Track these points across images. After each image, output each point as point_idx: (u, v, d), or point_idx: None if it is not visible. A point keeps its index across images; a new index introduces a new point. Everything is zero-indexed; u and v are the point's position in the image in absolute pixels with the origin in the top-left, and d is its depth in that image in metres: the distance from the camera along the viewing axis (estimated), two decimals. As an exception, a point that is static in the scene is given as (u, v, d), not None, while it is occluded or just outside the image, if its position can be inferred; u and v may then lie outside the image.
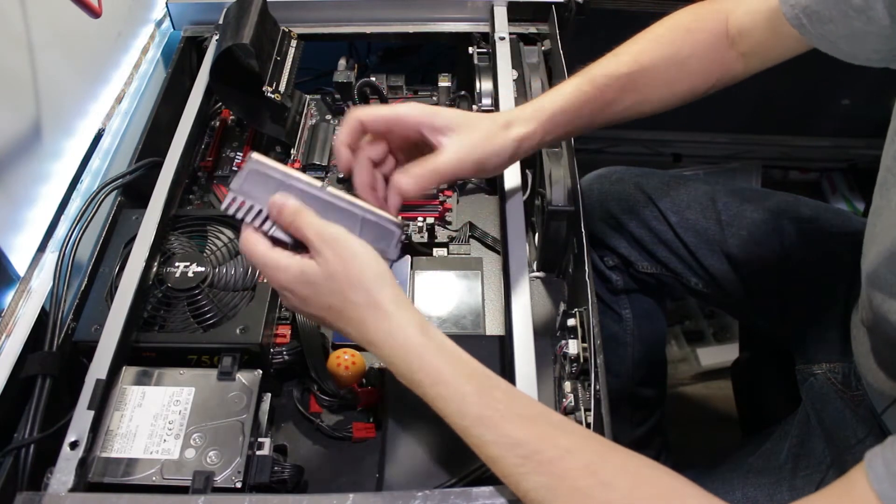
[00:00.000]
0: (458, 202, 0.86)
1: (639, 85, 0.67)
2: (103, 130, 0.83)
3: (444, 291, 0.75)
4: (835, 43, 0.62)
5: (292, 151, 0.89)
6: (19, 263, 0.70)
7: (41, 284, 0.70)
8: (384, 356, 0.52)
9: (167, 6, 0.96)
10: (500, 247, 0.75)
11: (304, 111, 0.94)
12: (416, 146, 0.62)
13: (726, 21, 0.68)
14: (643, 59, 0.67)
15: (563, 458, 0.47)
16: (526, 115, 0.64)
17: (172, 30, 0.99)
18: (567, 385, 0.65)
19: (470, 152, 0.60)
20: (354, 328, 0.52)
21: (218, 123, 0.93)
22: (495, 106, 0.81)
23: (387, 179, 0.61)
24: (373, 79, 0.94)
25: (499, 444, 0.48)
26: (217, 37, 0.87)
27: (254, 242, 0.54)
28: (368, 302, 0.51)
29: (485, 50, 0.92)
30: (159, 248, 0.71)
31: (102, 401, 0.59)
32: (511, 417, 0.49)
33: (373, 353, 0.53)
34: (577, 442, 0.49)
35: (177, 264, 0.70)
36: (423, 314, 0.53)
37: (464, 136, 0.60)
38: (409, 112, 0.60)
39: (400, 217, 0.60)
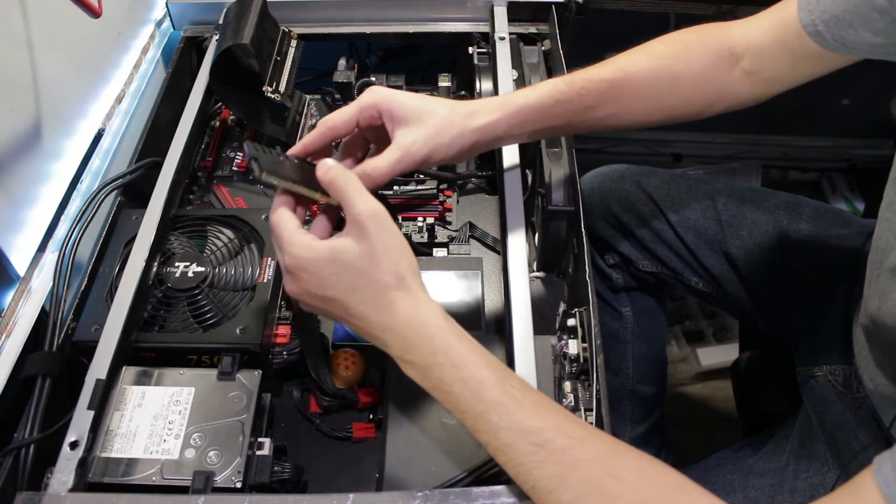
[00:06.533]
0: (458, 202, 0.86)
1: (623, 93, 0.65)
2: (103, 130, 0.83)
3: (444, 291, 0.75)
4: (853, 47, 0.60)
5: (292, 151, 0.89)
6: (19, 263, 0.70)
7: (41, 284, 0.70)
8: (403, 339, 0.51)
9: (167, 6, 0.96)
10: (500, 247, 0.75)
11: (304, 111, 0.94)
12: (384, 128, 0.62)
13: (730, 40, 0.66)
14: (630, 68, 0.65)
15: (576, 449, 0.47)
16: (492, 106, 0.63)
17: (172, 30, 0.98)
18: (567, 385, 0.65)
19: (423, 145, 0.60)
20: (376, 311, 0.52)
21: (218, 123, 0.93)
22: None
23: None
24: (373, 79, 0.94)
25: (513, 431, 0.48)
26: (217, 37, 0.87)
27: (286, 218, 0.54)
28: (400, 284, 0.52)
29: (485, 50, 0.92)
30: (159, 248, 0.71)
31: (102, 401, 0.59)
32: (527, 405, 0.49)
33: (385, 340, 0.52)
34: (587, 435, 0.49)
35: (177, 264, 0.70)
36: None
37: (417, 128, 0.60)
38: (371, 107, 0.60)
39: None
